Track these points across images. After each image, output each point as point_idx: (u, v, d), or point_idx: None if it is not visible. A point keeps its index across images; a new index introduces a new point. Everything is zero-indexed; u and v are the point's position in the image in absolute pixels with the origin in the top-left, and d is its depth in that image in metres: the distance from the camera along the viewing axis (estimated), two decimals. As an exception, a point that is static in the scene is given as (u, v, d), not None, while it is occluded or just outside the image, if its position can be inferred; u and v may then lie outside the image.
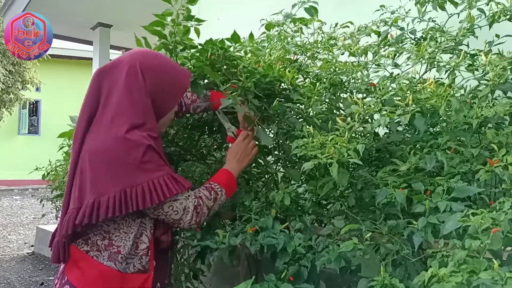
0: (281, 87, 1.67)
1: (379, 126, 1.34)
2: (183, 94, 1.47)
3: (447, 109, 1.31)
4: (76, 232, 1.34)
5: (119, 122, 1.31)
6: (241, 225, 1.57)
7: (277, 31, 1.98)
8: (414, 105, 1.31)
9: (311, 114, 1.63)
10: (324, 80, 1.71)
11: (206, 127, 1.97)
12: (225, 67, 1.63)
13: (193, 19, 1.62)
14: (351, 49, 1.81)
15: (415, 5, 1.86)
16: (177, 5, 1.60)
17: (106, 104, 1.35)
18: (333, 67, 1.75)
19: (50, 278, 4.87)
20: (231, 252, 1.48)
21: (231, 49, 1.67)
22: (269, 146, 1.93)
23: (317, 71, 1.77)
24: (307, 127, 1.38)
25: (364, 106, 1.35)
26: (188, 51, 1.67)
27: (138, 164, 1.28)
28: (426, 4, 1.84)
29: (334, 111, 1.73)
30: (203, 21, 1.64)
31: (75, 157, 1.36)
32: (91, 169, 1.30)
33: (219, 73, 1.64)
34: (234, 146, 1.58)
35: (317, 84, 1.67)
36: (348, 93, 1.71)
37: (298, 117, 1.64)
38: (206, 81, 1.72)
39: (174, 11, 1.59)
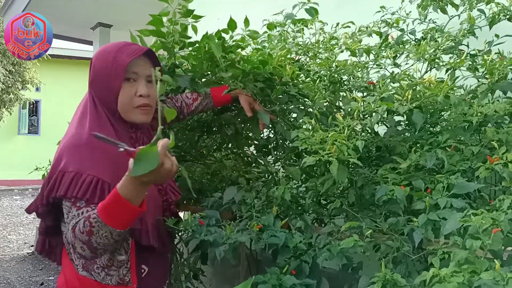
0: (281, 81, 1.68)
1: (377, 122, 1.35)
2: (121, 68, 1.31)
3: (446, 103, 1.32)
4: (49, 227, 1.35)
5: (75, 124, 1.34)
6: (244, 222, 1.56)
7: (278, 31, 1.98)
8: (412, 101, 1.32)
9: (312, 106, 1.64)
10: (324, 78, 1.72)
11: (205, 128, 1.98)
12: (223, 60, 1.64)
13: (191, 15, 1.63)
14: (351, 48, 1.81)
15: (417, 8, 1.87)
16: (174, 4, 1.60)
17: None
18: (333, 64, 1.75)
19: (50, 278, 4.87)
20: (235, 248, 1.46)
21: (227, 38, 1.69)
22: (269, 146, 1.93)
23: (316, 69, 1.77)
24: (308, 119, 1.39)
25: (364, 103, 1.35)
26: (187, 49, 1.67)
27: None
28: (428, 7, 1.84)
29: (334, 109, 1.73)
30: (201, 17, 1.64)
31: None
32: None
33: (217, 65, 1.65)
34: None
35: (317, 81, 1.68)
36: (348, 91, 1.72)
37: (299, 107, 1.65)
38: (203, 79, 1.73)
39: (170, 10, 1.59)
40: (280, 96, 1.61)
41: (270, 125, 1.91)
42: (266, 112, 1.61)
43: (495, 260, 1.01)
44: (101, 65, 1.35)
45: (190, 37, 1.66)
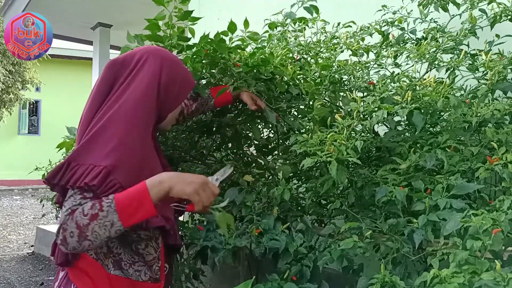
0: (282, 80, 1.68)
1: (377, 123, 1.35)
2: (191, 90, 1.43)
3: (445, 105, 1.32)
4: None
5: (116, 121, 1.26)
6: (244, 225, 1.55)
7: (279, 31, 1.97)
8: (412, 102, 1.32)
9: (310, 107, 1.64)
10: (325, 78, 1.72)
11: (205, 128, 1.97)
12: (222, 61, 1.63)
13: (188, 18, 1.62)
14: (352, 47, 1.81)
15: (418, 7, 1.86)
16: (171, 7, 1.59)
17: (117, 96, 1.28)
18: (334, 64, 1.75)
19: (50, 278, 4.87)
20: (234, 253, 1.46)
21: (227, 41, 1.68)
22: (269, 147, 1.93)
23: (317, 69, 1.77)
24: (307, 122, 1.40)
25: (363, 104, 1.35)
26: (185, 52, 1.66)
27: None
28: (429, 5, 1.84)
29: (334, 109, 1.73)
30: (198, 19, 1.64)
31: None
32: None
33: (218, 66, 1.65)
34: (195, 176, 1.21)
35: (318, 80, 1.68)
36: (348, 91, 1.71)
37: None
38: (203, 81, 1.72)
39: (167, 13, 1.59)
40: (284, 94, 1.61)
41: (271, 125, 1.90)
42: (271, 110, 1.61)
43: (495, 260, 1.01)
44: (180, 69, 1.39)
45: (189, 39, 1.66)
